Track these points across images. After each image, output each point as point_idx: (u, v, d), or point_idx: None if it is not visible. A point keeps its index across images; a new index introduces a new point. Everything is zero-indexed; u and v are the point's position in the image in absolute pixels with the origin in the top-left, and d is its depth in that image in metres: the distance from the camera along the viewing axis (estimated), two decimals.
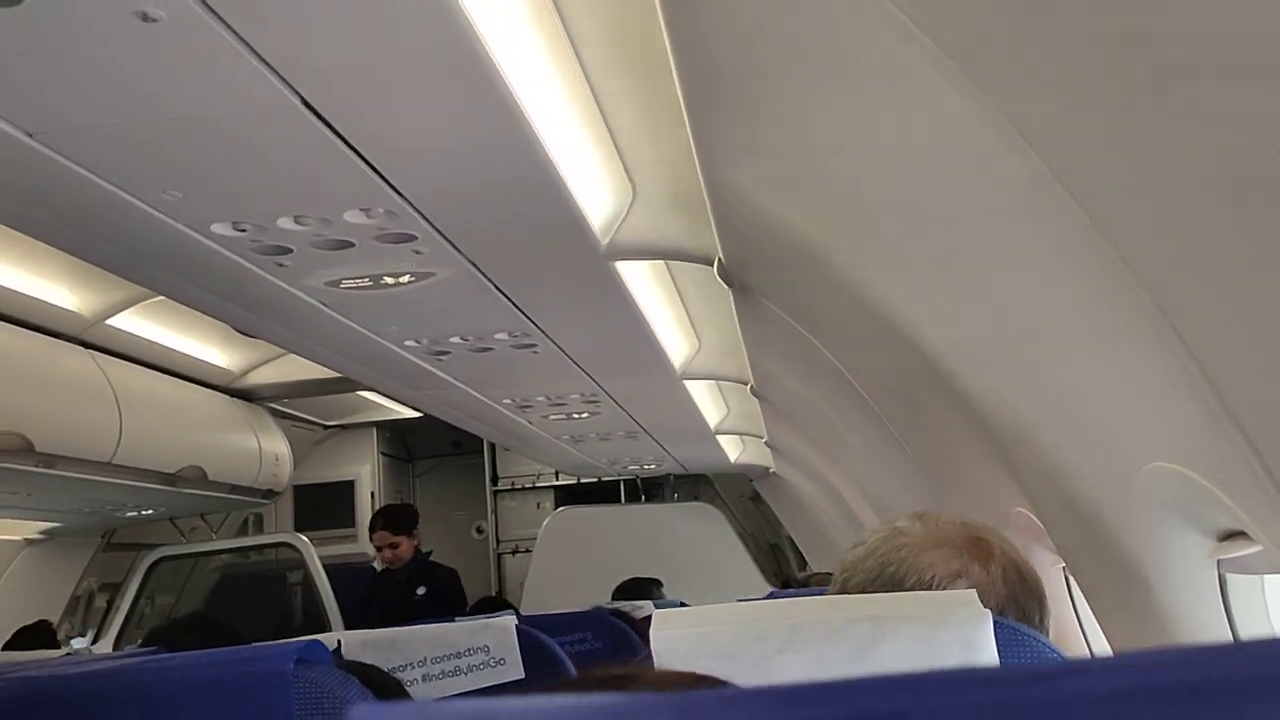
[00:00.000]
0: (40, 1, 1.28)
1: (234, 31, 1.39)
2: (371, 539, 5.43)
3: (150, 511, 5.45)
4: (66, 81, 1.50)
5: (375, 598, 5.39)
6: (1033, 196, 1.12)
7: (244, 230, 2.09)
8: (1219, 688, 0.26)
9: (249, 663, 1.30)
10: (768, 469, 6.39)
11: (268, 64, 1.48)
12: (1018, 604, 1.32)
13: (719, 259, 2.43)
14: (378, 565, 5.49)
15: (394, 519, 5.43)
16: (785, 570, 7.51)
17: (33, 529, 5.32)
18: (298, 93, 1.58)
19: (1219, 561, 1.27)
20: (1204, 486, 1.07)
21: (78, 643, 5.78)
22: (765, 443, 5.34)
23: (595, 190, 2.22)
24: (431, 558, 5.47)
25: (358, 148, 1.78)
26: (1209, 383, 0.97)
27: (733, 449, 6.07)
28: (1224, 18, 0.76)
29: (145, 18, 1.33)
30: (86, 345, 4.20)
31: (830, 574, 4.82)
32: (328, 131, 1.70)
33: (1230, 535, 1.21)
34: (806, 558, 7.05)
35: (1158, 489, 1.17)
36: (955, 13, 1.06)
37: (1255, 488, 1.01)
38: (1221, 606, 1.31)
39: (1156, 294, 1.02)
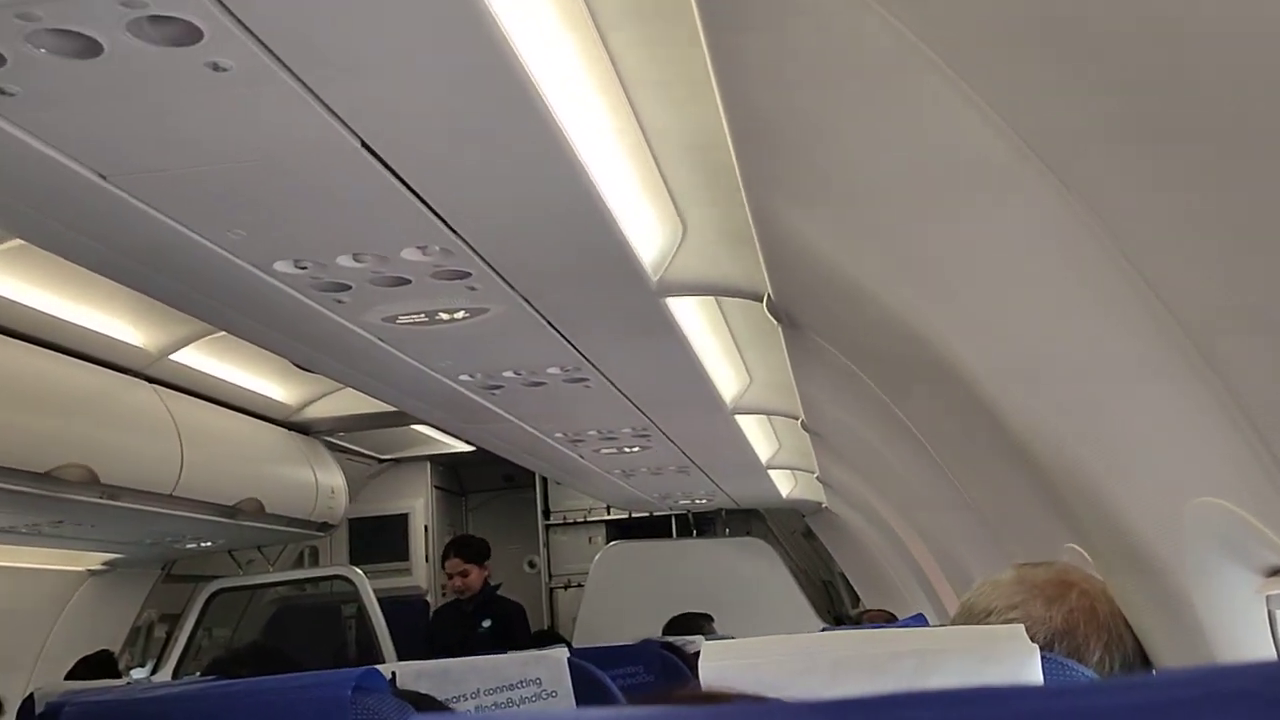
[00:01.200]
0: (119, 54, 1.35)
1: (298, 79, 1.45)
2: (444, 567, 5.49)
3: (209, 543, 5.54)
4: (139, 127, 1.57)
5: (440, 627, 5.44)
6: (1075, 238, 1.14)
7: (305, 268, 2.15)
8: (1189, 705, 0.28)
9: (307, 689, 1.33)
10: (820, 504, 6.37)
11: (330, 109, 1.54)
12: (1072, 639, 1.33)
13: (768, 294, 2.45)
14: (431, 599, 5.54)
15: (465, 547, 5.51)
16: (838, 607, 7.45)
17: (95, 560, 5.42)
18: (358, 136, 1.63)
19: (1268, 598, 1.26)
20: (1250, 522, 1.08)
21: (137, 673, 5.88)
22: (817, 478, 5.33)
23: (646, 227, 2.26)
24: (499, 591, 5.51)
25: (415, 188, 1.83)
26: (1249, 421, 0.98)
27: (784, 484, 6.06)
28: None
29: (216, 68, 1.39)
30: (150, 380, 4.30)
31: (883, 610, 4.82)
32: (386, 172, 1.76)
33: (1278, 571, 1.20)
34: (860, 594, 7.00)
35: (1205, 524, 1.17)
36: (997, 60, 1.08)
37: None
38: (1272, 643, 1.31)
39: (1195, 336, 1.04)
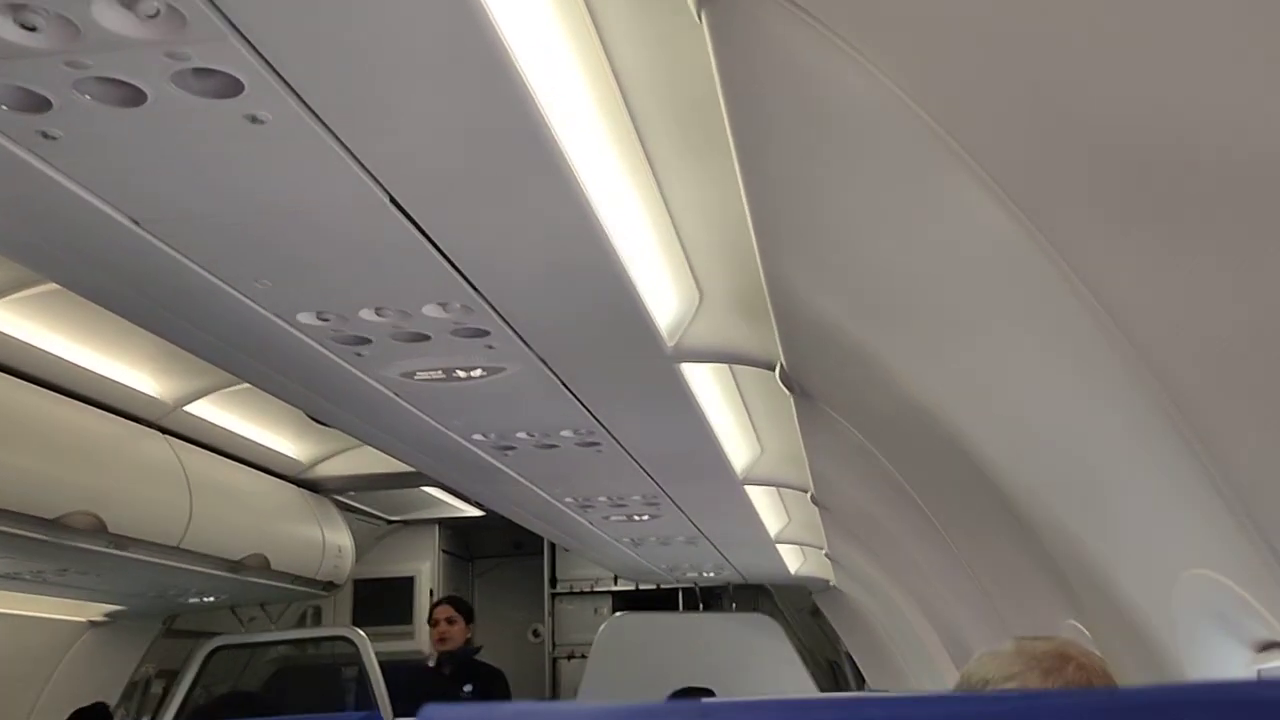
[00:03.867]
0: (162, 104, 1.40)
1: (332, 133, 1.50)
2: (434, 611, 5.46)
3: (213, 598, 5.53)
4: (175, 175, 1.61)
5: (420, 691, 5.38)
6: (1075, 318, 1.17)
7: (327, 320, 2.19)
8: None
9: None
10: (828, 582, 6.33)
11: (361, 163, 1.59)
12: None
13: (781, 364, 2.48)
14: (432, 664, 5.49)
15: (460, 603, 5.50)
16: (843, 688, 7.37)
17: (97, 611, 5.41)
18: (387, 191, 1.68)
19: (1259, 671, 1.27)
20: (1240, 595, 1.09)
21: None
22: (825, 554, 5.31)
23: (664, 293, 2.29)
24: (479, 656, 5.47)
25: (439, 244, 1.87)
26: (1238, 496, 1.00)
27: (793, 560, 6.03)
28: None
29: (254, 119, 1.44)
30: (164, 431, 4.33)
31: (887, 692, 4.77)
32: (412, 228, 1.80)
33: (1268, 645, 1.21)
34: (865, 676, 6.93)
35: (1196, 597, 1.19)
36: (1010, 150, 1.12)
37: None
38: None
39: (1188, 414, 1.06)
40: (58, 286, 3.10)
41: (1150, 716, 0.37)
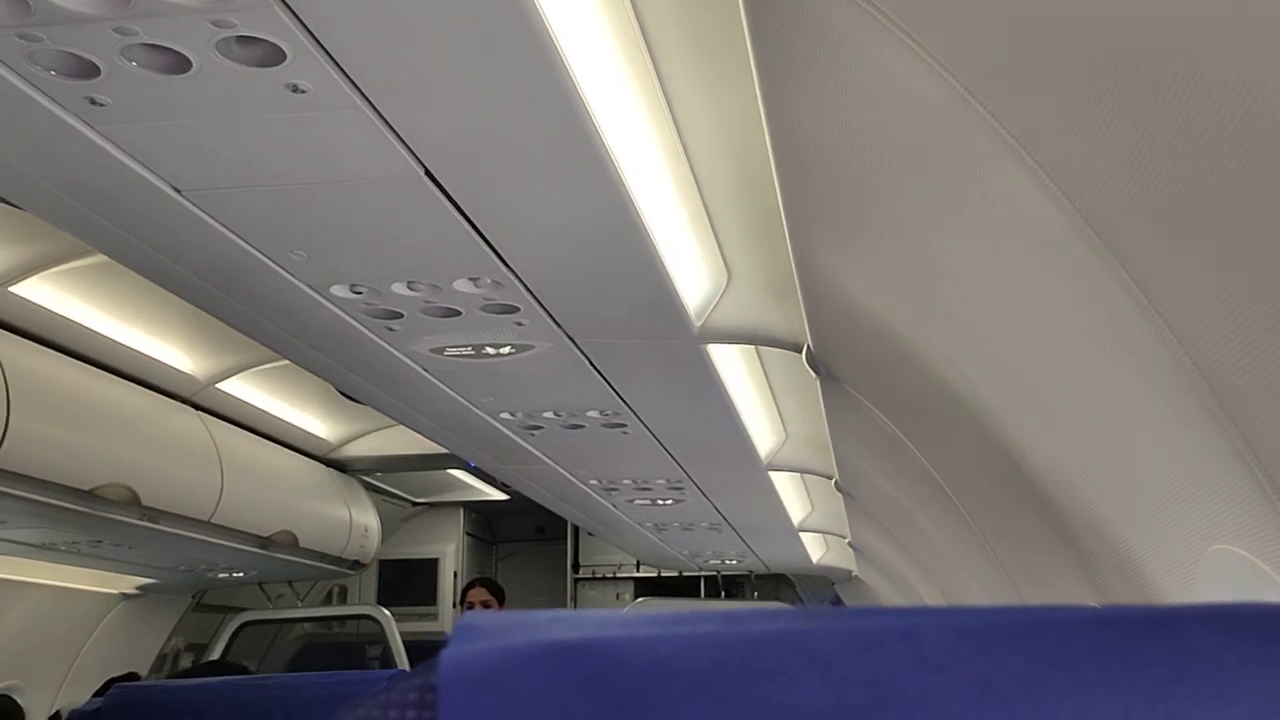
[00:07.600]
0: (206, 71, 1.43)
1: (371, 104, 1.52)
2: (468, 594, 5.52)
3: (241, 574, 5.60)
4: (218, 144, 1.64)
5: None
6: (1108, 293, 1.18)
7: (360, 293, 2.22)
8: None
9: (342, 685, 1.38)
10: (850, 572, 6.34)
11: (399, 136, 1.61)
12: None
13: (808, 346, 2.49)
14: None
15: (493, 585, 5.56)
16: None
17: (129, 584, 5.50)
18: (422, 164, 1.70)
19: None
20: (1264, 571, 1.10)
21: None
22: (849, 543, 5.32)
23: (692, 272, 2.31)
24: None
25: (473, 219, 1.90)
26: (1265, 471, 1.01)
27: (815, 549, 6.04)
28: None
29: (295, 89, 1.47)
30: (197, 407, 4.39)
31: None
32: (447, 203, 1.82)
33: None
34: None
35: (1220, 572, 1.20)
36: (1047, 122, 1.13)
37: None
38: None
39: (1217, 390, 1.07)
40: (95, 261, 3.16)
41: (1151, 628, 0.39)
